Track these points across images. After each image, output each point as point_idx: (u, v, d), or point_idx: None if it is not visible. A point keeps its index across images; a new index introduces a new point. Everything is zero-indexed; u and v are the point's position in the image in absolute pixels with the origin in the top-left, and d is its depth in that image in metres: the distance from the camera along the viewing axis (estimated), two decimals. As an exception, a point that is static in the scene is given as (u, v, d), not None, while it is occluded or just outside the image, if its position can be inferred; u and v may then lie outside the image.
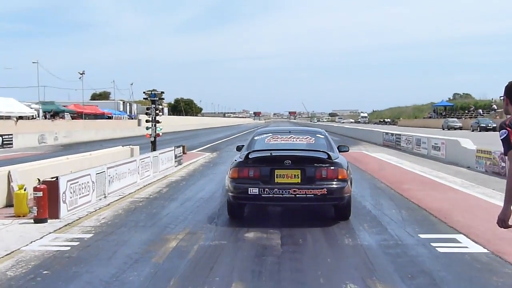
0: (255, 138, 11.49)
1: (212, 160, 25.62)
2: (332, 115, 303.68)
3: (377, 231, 9.27)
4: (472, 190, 14.27)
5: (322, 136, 11.43)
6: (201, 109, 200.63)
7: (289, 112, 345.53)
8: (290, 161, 9.62)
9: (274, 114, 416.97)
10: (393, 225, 9.76)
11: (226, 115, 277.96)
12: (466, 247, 8.03)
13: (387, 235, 8.95)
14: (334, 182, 9.58)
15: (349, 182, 9.83)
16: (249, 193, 9.53)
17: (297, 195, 9.43)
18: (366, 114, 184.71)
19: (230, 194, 9.93)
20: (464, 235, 8.76)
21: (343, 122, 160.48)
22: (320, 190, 9.45)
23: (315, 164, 9.64)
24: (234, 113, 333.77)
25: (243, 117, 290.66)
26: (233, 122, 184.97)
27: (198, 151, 31.72)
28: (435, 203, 11.89)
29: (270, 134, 11.59)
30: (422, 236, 8.78)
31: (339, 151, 11.09)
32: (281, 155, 9.83)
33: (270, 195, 9.46)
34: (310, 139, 11.20)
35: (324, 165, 9.65)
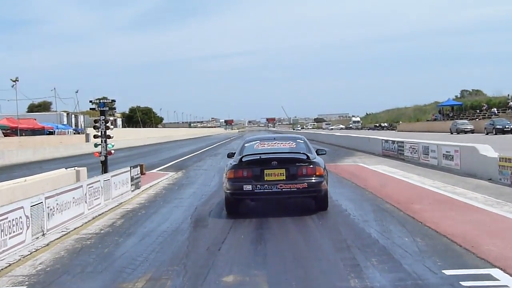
0: (246, 145, 15.55)
1: (177, 181, 25.06)
2: (318, 120, 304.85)
3: (389, 267, 8.79)
4: (499, 208, 13.86)
5: (302, 141, 15.63)
6: (161, 119, 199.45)
7: (267, 119, 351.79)
8: (276, 162, 13.81)
9: (249, 122, 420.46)
10: (408, 258, 9.29)
11: (192, 125, 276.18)
12: (506, 286, 7.59)
13: (402, 272, 8.48)
14: (313, 178, 13.81)
15: (325, 178, 14.12)
16: (244, 189, 13.74)
17: (283, 189, 13.66)
18: (358, 119, 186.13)
19: (227, 191, 14.13)
20: (500, 269, 8.30)
21: (332, 129, 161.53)
22: (301, 184, 13.69)
23: (297, 164, 13.86)
24: (202, 122, 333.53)
25: (212, 127, 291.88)
26: (201, 133, 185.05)
27: (159, 170, 31.15)
28: (457, 228, 11.45)
29: (258, 141, 15.81)
30: (447, 272, 8.32)
31: (318, 154, 15.16)
32: (269, 158, 14.01)
33: (261, 190, 13.69)
34: (292, 143, 15.42)
35: (304, 164, 13.88)
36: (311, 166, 13.91)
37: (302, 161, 13.93)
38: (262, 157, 14.07)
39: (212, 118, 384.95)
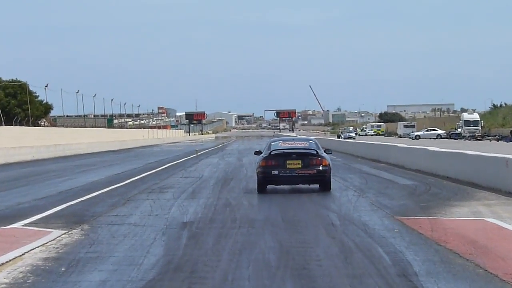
0: (272, 144, 22.01)
1: (64, 252, 11.00)
2: (387, 117, 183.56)
3: None
4: None
5: (313, 142, 22.29)
6: (48, 110, 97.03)
7: (278, 114, 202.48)
8: (295, 155, 20.81)
9: (240, 118, 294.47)
10: None
11: (120, 122, 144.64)
12: None
13: None
14: (320, 167, 20.70)
15: (329, 168, 21.01)
16: (272, 173, 20.68)
17: (299, 174, 20.62)
18: (476, 116, 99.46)
19: (260, 175, 21.07)
20: None
21: (418, 137, 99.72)
22: (312, 171, 20.63)
23: (309, 156, 20.86)
24: (140, 116, 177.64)
25: (160, 127, 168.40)
26: (132, 138, 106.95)
27: (29, 224, 15.54)
28: None
29: (281, 141, 22.85)
30: None
31: (326, 153, 21.84)
32: (290, 152, 21.03)
33: (284, 175, 20.62)
34: (306, 143, 22.21)
35: (314, 157, 20.85)
36: (319, 158, 20.77)
37: (313, 155, 20.86)
38: (285, 151, 20.99)
39: (160, 108, 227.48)
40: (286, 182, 21.53)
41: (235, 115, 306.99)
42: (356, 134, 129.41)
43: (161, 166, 39.87)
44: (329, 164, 20.95)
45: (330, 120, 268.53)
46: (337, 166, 32.35)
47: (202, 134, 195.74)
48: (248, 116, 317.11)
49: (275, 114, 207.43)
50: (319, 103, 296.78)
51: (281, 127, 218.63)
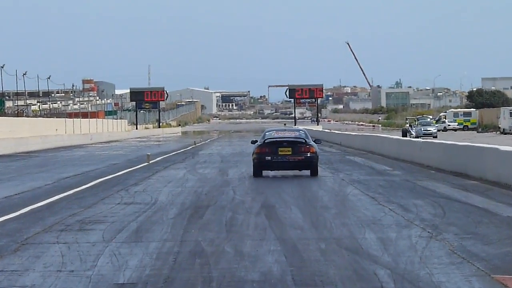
0: (266, 133, 25.96)
1: None
2: (485, 98, 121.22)
3: None
4: None
5: (303, 132, 26.54)
6: None
7: (292, 93, 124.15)
8: (286, 143, 24.81)
9: (226, 99, 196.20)
10: None
11: (18, 106, 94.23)
12: None
13: None
14: (308, 153, 24.67)
15: (316, 155, 25.14)
16: (265, 159, 24.62)
17: (290, 160, 24.60)
18: None
19: (255, 161, 25.07)
20: None
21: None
22: (301, 157, 24.60)
23: (298, 144, 24.83)
24: (52, 95, 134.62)
25: (87, 115, 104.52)
26: (38, 136, 64.89)
27: None
28: None
29: (274, 131, 26.82)
30: None
31: (315, 142, 25.88)
32: (282, 140, 25.06)
33: (276, 160, 24.60)
34: (297, 133, 26.49)
35: (303, 145, 24.86)
36: (307, 146, 24.83)
37: (302, 143, 24.92)
38: (277, 140, 25.10)
39: (87, 82, 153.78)
40: (279, 168, 25.55)
41: (218, 95, 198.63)
42: (444, 127, 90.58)
43: (85, 184, 25.82)
44: (316, 152, 25.20)
45: (383, 103, 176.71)
46: (395, 185, 23.19)
47: (160, 127, 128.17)
48: (239, 95, 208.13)
49: (287, 93, 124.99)
50: (362, 72, 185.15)
51: (297, 115, 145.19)
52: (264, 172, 26.20)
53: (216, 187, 23.61)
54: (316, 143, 25.99)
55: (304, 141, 25.16)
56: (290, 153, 24.71)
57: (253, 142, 26.89)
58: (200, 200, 20.10)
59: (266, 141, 25.14)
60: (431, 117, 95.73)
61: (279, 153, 24.72)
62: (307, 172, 26.02)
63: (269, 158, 24.75)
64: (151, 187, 24.00)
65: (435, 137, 66.54)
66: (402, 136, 59.34)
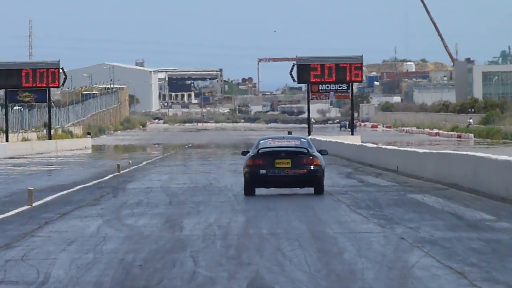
0: (261, 142, 22.61)
1: None
2: None
3: None
4: None
5: (305, 140, 23.18)
6: None
7: (305, 71, 68.70)
8: (284, 154, 21.61)
9: (179, 84, 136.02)
10: None
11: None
12: None
13: None
14: (312, 166, 21.52)
15: (322, 168, 21.93)
16: (259, 173, 21.37)
17: (289, 174, 21.38)
18: None
19: (247, 175, 21.68)
20: None
21: None
22: (303, 171, 21.46)
23: (299, 155, 21.73)
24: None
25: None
26: None
27: None
28: None
29: (270, 139, 23.16)
30: None
31: (321, 153, 22.64)
32: (279, 150, 21.89)
33: (272, 174, 21.38)
34: (297, 141, 22.96)
35: (305, 156, 21.73)
36: (311, 157, 21.70)
37: (304, 153, 21.75)
38: (274, 150, 21.86)
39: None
40: (275, 184, 22.18)
41: (161, 76, 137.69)
42: None
43: None
44: (321, 164, 21.95)
45: (477, 92, 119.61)
46: (502, 248, 13.01)
47: (51, 137, 77.22)
48: (202, 78, 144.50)
49: (293, 72, 72.07)
50: (439, 34, 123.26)
51: (314, 116, 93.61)
52: (258, 190, 22.40)
53: (160, 253, 12.84)
54: (322, 154, 22.74)
55: (306, 151, 22.08)
56: (290, 165, 21.65)
57: (244, 152, 23.89)
58: (130, 278, 10.13)
59: (260, 151, 21.98)
60: None
61: (276, 165, 21.59)
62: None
63: (264, 171, 21.57)
64: (37, 252, 13.20)
65: None
66: None
